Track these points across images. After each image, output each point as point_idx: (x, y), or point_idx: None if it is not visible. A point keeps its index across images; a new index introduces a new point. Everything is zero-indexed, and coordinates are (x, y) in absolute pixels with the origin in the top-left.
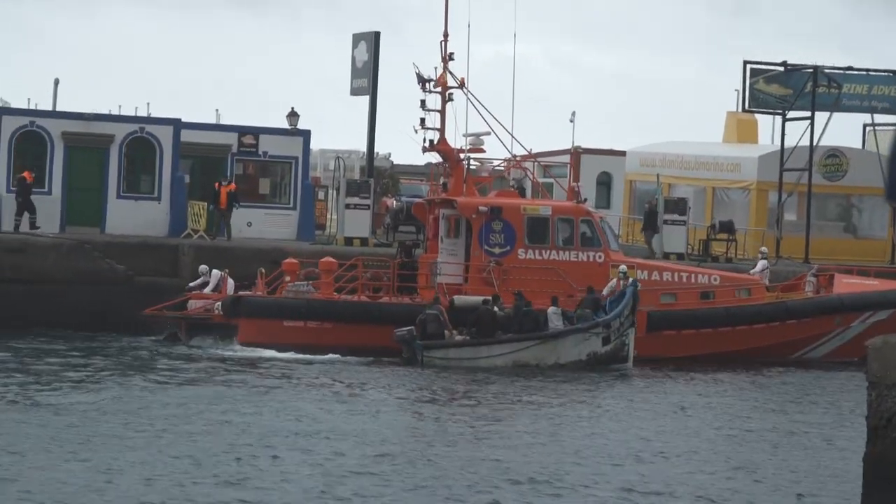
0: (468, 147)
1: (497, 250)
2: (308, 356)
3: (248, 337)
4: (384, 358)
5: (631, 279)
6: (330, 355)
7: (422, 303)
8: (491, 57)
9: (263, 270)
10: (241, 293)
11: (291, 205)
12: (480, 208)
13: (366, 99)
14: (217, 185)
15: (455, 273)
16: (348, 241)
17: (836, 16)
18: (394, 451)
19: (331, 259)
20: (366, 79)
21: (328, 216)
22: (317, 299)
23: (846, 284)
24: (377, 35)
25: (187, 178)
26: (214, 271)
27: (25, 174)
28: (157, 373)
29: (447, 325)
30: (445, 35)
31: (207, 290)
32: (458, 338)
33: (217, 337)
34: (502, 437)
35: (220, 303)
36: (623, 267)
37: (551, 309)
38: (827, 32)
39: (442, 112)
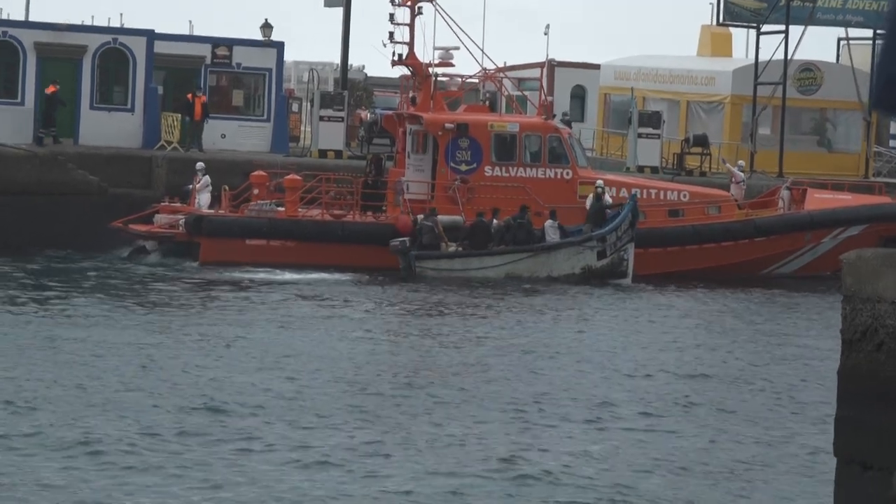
0: (437, 61)
1: (464, 167)
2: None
3: (209, 256)
4: (349, 275)
5: (632, 193)
6: (321, 274)
7: (386, 221)
8: None
9: (227, 188)
10: (203, 211)
11: (265, 117)
12: (447, 125)
13: (339, 11)
14: (190, 96)
15: (421, 191)
16: (322, 153)
17: None
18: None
19: (295, 176)
20: None
21: (302, 128)
22: (279, 218)
23: (818, 200)
24: None
25: (161, 90)
26: (206, 177)
27: (51, 87)
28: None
29: (442, 236)
30: None
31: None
32: (452, 248)
33: (161, 254)
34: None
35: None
36: (600, 181)
37: (548, 222)
38: None
39: (411, 26)
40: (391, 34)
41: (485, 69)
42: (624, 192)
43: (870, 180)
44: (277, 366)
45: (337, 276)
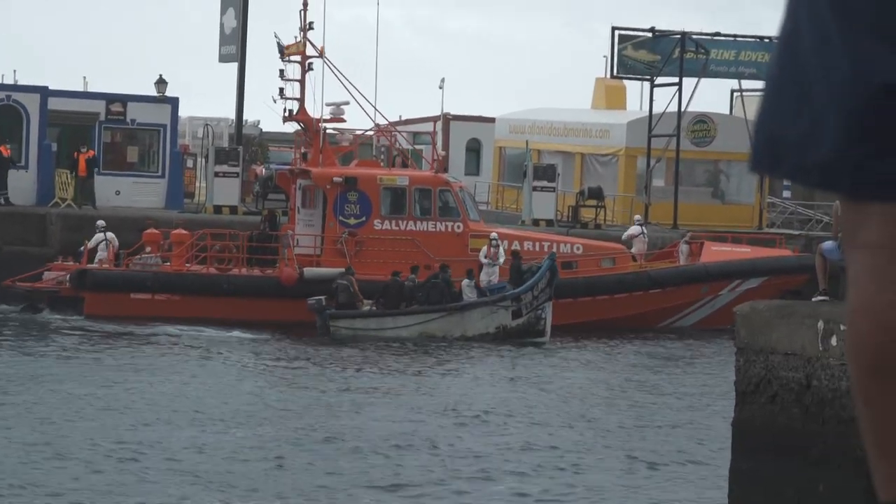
0: (329, 116)
1: (352, 221)
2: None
3: (94, 310)
4: (234, 330)
5: (550, 252)
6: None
7: (273, 274)
8: (353, 23)
9: (87, 242)
10: (87, 266)
11: (160, 173)
12: (335, 179)
13: (234, 66)
14: (76, 153)
15: (310, 244)
16: (217, 209)
17: None
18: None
19: (182, 231)
20: (234, 45)
21: (197, 184)
22: (164, 272)
23: (714, 253)
24: (245, 1)
25: (55, 147)
26: (100, 234)
27: (2, 148)
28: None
29: (358, 294)
30: (305, 4)
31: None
32: (366, 308)
33: (49, 309)
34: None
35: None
36: (494, 234)
37: (465, 281)
38: None
39: (301, 81)
40: (282, 90)
41: (377, 124)
42: (517, 246)
43: (765, 231)
44: (175, 419)
45: (252, 333)
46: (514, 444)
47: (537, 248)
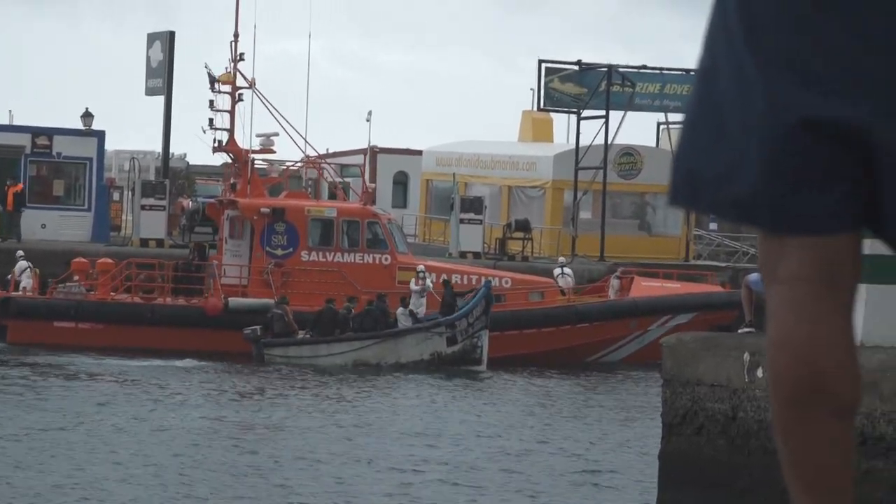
0: (258, 147)
1: (279, 252)
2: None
3: (17, 338)
4: (160, 360)
5: (485, 280)
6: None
7: (198, 304)
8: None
9: (14, 270)
10: (11, 293)
11: (86, 206)
12: (262, 209)
13: (161, 99)
14: (6, 186)
15: (236, 275)
16: (144, 242)
17: (614, 9)
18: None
19: (108, 260)
20: (160, 79)
21: (123, 217)
22: (88, 300)
23: (644, 288)
24: (172, 35)
25: None
26: (21, 263)
27: None
28: None
29: (291, 323)
30: (236, 35)
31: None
32: (301, 336)
33: None
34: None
35: None
36: (421, 266)
37: (399, 310)
38: (609, 28)
39: (231, 112)
40: (211, 120)
41: (307, 156)
42: (444, 278)
43: (693, 264)
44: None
45: (187, 363)
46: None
47: (465, 281)
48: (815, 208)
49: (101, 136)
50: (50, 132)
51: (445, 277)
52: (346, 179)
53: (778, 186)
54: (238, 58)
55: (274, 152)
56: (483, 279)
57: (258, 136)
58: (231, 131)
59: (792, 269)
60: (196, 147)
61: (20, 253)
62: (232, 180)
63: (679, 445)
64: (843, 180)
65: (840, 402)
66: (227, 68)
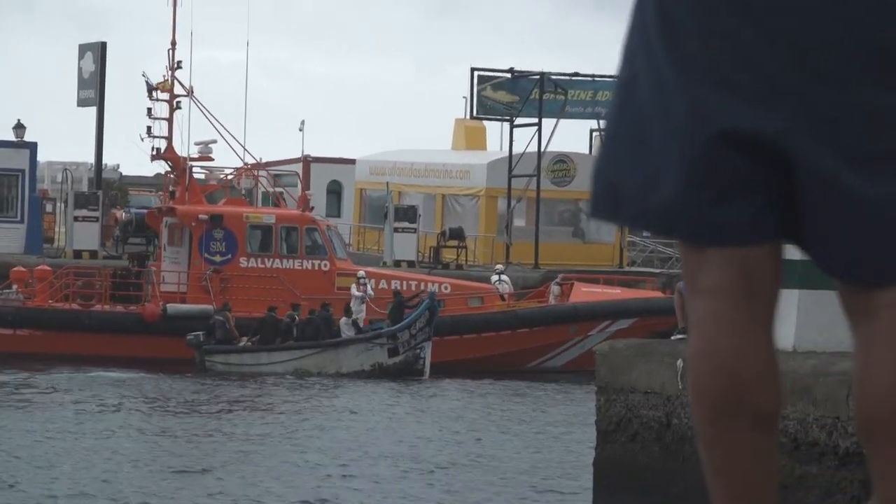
0: (197, 155)
1: (218, 258)
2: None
3: None
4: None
5: (430, 291)
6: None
7: (136, 311)
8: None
9: None
10: None
11: (18, 218)
12: (200, 216)
13: (93, 110)
14: None
15: (175, 281)
16: (77, 253)
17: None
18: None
19: (45, 267)
20: (92, 90)
21: (56, 229)
22: (26, 307)
23: (584, 293)
24: (104, 45)
25: None
26: None
27: None
28: None
29: (233, 331)
30: (173, 43)
31: None
32: (243, 343)
33: None
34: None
35: None
36: (362, 272)
37: (343, 319)
38: (539, 35)
39: (169, 120)
40: (149, 128)
41: (246, 164)
42: (384, 285)
43: (627, 271)
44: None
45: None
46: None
47: (404, 287)
48: (735, 219)
49: (33, 147)
50: None
51: (396, 287)
52: (279, 190)
53: (697, 197)
54: (175, 66)
55: (212, 160)
56: (423, 285)
57: (196, 143)
58: (169, 139)
59: (712, 280)
60: (129, 158)
61: None
62: (171, 188)
63: (613, 453)
64: (763, 191)
65: (762, 412)
66: (164, 76)
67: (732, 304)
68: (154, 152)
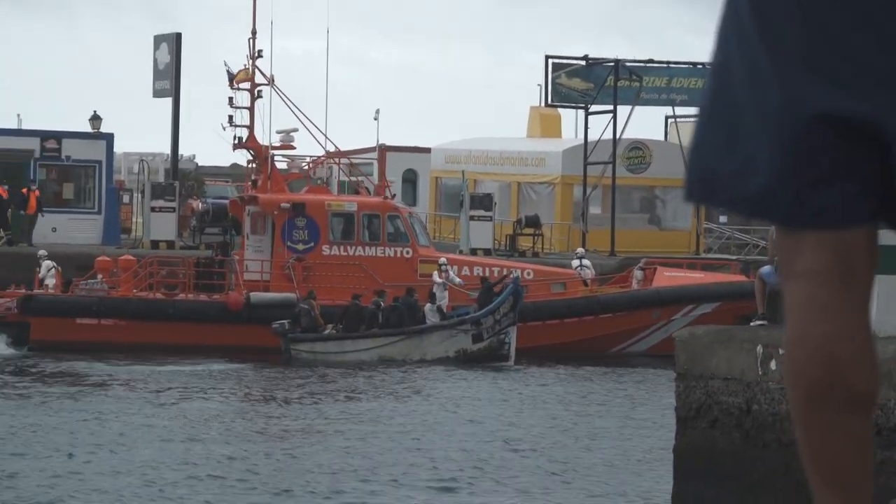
0: (279, 144)
1: (301, 247)
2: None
3: (40, 335)
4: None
5: (513, 276)
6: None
7: (219, 300)
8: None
9: (38, 270)
10: (34, 291)
11: (96, 209)
12: (283, 205)
13: (169, 101)
14: (25, 190)
15: (258, 270)
16: (154, 244)
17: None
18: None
19: (130, 257)
20: (168, 80)
21: (133, 220)
22: (110, 297)
23: (667, 278)
24: (178, 36)
25: None
26: (47, 262)
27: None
28: None
29: (318, 319)
30: (254, 32)
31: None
32: (327, 331)
33: (7, 338)
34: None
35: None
36: (443, 259)
37: (428, 305)
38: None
39: (251, 109)
40: (231, 118)
41: (327, 151)
42: (466, 271)
43: (702, 257)
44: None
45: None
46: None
47: (487, 274)
48: (831, 203)
49: (109, 138)
50: (59, 135)
51: (481, 273)
52: (362, 177)
53: (793, 182)
54: (256, 55)
55: (294, 148)
56: (506, 271)
57: (278, 132)
58: (251, 128)
59: (809, 263)
60: (205, 148)
61: (43, 252)
62: (253, 177)
63: (693, 439)
64: (859, 174)
65: (858, 396)
66: (244, 65)
67: (828, 288)
68: (236, 141)
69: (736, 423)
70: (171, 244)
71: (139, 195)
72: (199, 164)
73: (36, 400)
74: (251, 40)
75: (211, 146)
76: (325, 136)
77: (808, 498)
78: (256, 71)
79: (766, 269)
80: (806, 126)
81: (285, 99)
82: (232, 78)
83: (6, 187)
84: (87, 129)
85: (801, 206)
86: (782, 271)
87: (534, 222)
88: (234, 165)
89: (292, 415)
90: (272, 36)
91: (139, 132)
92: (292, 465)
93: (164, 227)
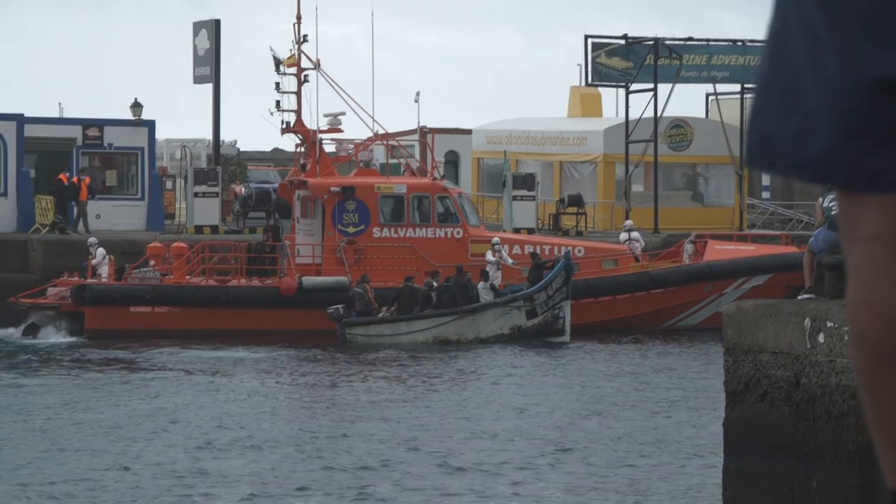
0: (326, 127)
1: (351, 229)
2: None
3: (94, 324)
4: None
5: (565, 251)
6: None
7: (272, 285)
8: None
9: (91, 258)
10: (87, 281)
11: (139, 196)
12: (332, 188)
13: (209, 87)
14: (76, 179)
15: (310, 254)
16: (199, 229)
17: None
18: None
19: (182, 244)
20: (208, 67)
21: (177, 205)
22: (163, 285)
23: (718, 251)
24: (217, 23)
25: (33, 173)
26: (100, 249)
27: (61, 176)
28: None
29: (373, 302)
30: (298, 17)
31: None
32: (382, 314)
33: (63, 327)
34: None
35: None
36: (496, 238)
37: (480, 284)
38: (648, 1)
39: (298, 94)
40: (278, 103)
41: (375, 133)
42: (517, 249)
43: (746, 232)
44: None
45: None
46: (520, 436)
47: (539, 251)
48: (892, 166)
49: (151, 125)
50: (101, 123)
51: (532, 251)
52: (411, 158)
53: (854, 145)
54: (302, 39)
55: (342, 131)
56: (559, 249)
57: (326, 115)
58: (298, 112)
59: (870, 227)
60: (246, 133)
61: (94, 240)
62: (301, 161)
63: (743, 413)
64: None
65: None
66: (290, 50)
67: (891, 251)
68: (283, 126)
69: (785, 396)
70: (214, 229)
71: (182, 181)
72: (241, 149)
73: (98, 385)
74: (296, 25)
75: (252, 131)
76: (373, 118)
77: (860, 469)
78: (302, 55)
79: (813, 239)
80: (865, 90)
81: (332, 83)
82: (279, 63)
83: (68, 174)
84: (129, 116)
85: (861, 171)
86: (843, 236)
87: (577, 201)
88: (276, 150)
89: (353, 398)
90: (317, 20)
91: (180, 119)
92: (364, 447)
93: (208, 212)
